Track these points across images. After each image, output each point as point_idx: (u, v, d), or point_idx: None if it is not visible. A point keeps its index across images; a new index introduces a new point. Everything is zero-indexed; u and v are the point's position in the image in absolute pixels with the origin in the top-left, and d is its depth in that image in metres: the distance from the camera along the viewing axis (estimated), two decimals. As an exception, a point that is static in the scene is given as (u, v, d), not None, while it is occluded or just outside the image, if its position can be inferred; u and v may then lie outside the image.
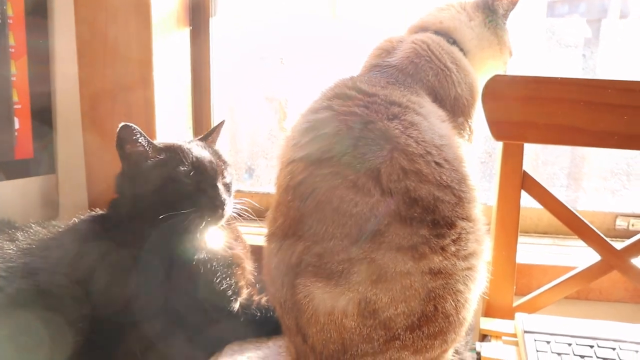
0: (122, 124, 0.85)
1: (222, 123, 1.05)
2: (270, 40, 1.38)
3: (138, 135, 0.86)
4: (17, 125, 1.14)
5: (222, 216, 0.90)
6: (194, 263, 0.86)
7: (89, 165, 1.21)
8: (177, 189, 0.86)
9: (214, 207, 0.88)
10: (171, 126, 1.23)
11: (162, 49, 1.17)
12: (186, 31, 1.27)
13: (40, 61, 1.17)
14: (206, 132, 1.05)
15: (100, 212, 0.96)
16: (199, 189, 0.88)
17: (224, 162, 0.96)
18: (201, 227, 0.87)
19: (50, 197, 1.25)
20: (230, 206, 0.92)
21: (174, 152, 0.89)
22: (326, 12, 1.38)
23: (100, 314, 0.80)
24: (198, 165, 0.90)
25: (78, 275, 0.82)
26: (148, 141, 0.88)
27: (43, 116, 1.20)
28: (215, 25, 1.30)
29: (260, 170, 1.40)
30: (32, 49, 1.15)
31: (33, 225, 0.91)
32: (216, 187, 0.90)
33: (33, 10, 1.15)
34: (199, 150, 0.93)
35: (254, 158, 1.41)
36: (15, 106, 1.13)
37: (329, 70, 1.32)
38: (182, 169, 0.87)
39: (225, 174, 0.94)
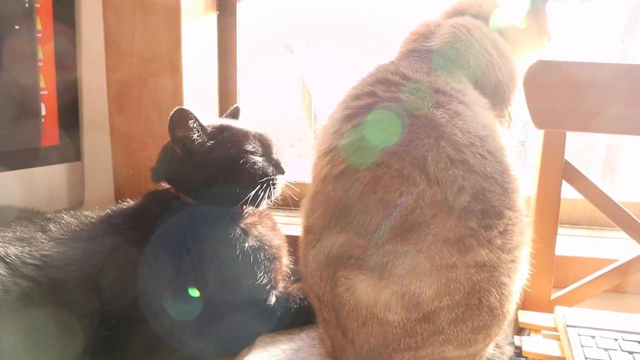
0: (177, 107, 0.85)
1: (237, 107, 1.06)
2: (296, 27, 1.36)
3: (193, 120, 0.86)
4: (43, 112, 1.13)
5: (282, 184, 0.93)
6: (245, 249, 0.86)
7: (116, 152, 1.20)
8: (250, 163, 0.88)
9: (280, 174, 0.92)
10: (198, 112, 1.21)
11: (190, 34, 1.15)
12: (213, 16, 1.25)
13: (67, 46, 1.16)
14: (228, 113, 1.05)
15: (133, 203, 0.95)
16: (266, 160, 0.92)
17: None
18: (267, 198, 0.89)
19: (76, 184, 1.24)
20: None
21: (231, 131, 0.91)
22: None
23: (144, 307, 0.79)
24: (260, 139, 0.93)
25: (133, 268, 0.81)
26: (201, 125, 0.88)
27: (69, 102, 1.18)
28: (242, 11, 1.28)
29: (287, 158, 1.38)
30: (59, 34, 1.13)
31: (65, 216, 0.90)
32: (276, 155, 0.94)
33: (60, -6, 1.13)
34: (250, 126, 0.95)
35: (279, 145, 1.39)
36: (42, 92, 1.12)
37: (358, 55, 1.29)
38: (250, 144, 0.90)
39: None
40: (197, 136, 0.87)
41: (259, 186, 0.87)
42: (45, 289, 0.76)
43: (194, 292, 0.82)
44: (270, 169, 0.90)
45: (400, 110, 0.70)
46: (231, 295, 0.85)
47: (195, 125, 0.86)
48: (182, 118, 0.85)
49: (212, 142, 0.89)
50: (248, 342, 0.88)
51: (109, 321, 0.77)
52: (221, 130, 0.90)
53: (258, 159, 0.89)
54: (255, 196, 0.86)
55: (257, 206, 0.89)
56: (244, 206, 0.88)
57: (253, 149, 0.90)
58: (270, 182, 0.89)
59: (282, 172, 0.93)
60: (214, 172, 0.87)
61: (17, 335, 0.73)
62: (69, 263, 0.79)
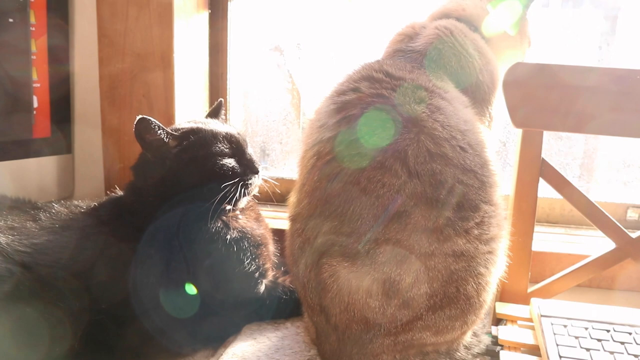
0: (139, 116, 0.86)
1: (221, 102, 1.07)
2: (286, 25, 1.38)
3: (157, 127, 0.87)
4: (35, 104, 1.15)
5: (257, 183, 0.94)
6: (228, 242, 0.87)
7: (106, 145, 1.22)
8: (219, 165, 0.89)
9: (253, 173, 0.93)
10: (188, 108, 1.23)
11: (182, 31, 1.17)
12: (205, 14, 1.27)
13: (61, 40, 1.18)
14: (211, 109, 1.07)
15: (121, 194, 0.97)
16: (238, 160, 0.92)
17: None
18: (242, 197, 0.91)
19: (66, 176, 1.26)
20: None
21: (201, 133, 0.91)
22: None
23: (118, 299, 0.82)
24: (231, 140, 0.93)
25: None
26: (166, 131, 0.89)
27: (62, 95, 1.20)
28: (233, 10, 1.31)
29: (275, 155, 1.41)
30: (53, 28, 1.15)
31: (55, 205, 0.92)
32: (250, 155, 0.95)
33: (54, -11, 1.15)
34: (223, 126, 0.96)
35: (268, 143, 1.41)
36: (35, 85, 1.14)
37: (346, 55, 1.32)
38: (218, 146, 0.91)
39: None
40: (164, 141, 0.89)
41: (228, 188, 0.88)
42: (36, 275, 0.78)
43: (190, 289, 0.85)
44: (240, 170, 0.91)
45: (384, 105, 0.73)
46: (222, 286, 0.87)
47: (160, 132, 0.88)
48: (146, 126, 0.87)
49: (179, 146, 0.90)
50: (235, 331, 0.90)
51: (98, 308, 0.79)
52: (188, 133, 0.91)
53: (227, 161, 0.90)
54: (224, 197, 0.87)
55: (234, 205, 0.90)
56: (221, 205, 0.89)
57: (221, 151, 0.90)
58: (241, 182, 0.90)
59: (256, 171, 0.93)
60: (184, 175, 0.88)
61: (8, 318, 0.75)
62: (58, 251, 0.81)
